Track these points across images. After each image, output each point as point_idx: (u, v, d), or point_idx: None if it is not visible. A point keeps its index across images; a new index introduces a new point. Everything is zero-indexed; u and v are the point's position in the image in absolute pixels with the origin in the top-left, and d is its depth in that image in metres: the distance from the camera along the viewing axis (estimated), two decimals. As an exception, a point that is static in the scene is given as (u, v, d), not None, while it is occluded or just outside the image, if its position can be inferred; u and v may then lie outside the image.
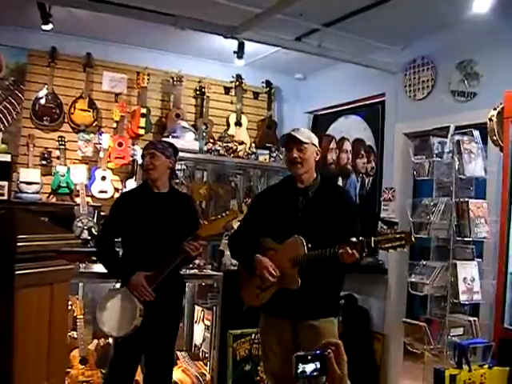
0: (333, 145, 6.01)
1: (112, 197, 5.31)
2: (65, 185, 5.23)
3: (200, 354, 4.91)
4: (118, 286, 3.57)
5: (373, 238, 2.88)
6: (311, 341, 3.07)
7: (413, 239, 2.87)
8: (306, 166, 3.22)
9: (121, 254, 3.67)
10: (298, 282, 3.04)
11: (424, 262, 4.05)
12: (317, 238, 3.04)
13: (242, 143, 5.86)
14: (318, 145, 3.31)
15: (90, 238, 4.86)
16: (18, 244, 1.41)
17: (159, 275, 3.40)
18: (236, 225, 5.46)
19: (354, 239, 2.90)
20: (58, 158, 5.30)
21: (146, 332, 3.49)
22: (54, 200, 5.26)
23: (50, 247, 1.53)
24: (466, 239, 3.88)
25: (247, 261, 3.26)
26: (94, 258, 4.31)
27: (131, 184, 5.31)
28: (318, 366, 1.60)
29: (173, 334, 3.69)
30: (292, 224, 3.17)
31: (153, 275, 3.41)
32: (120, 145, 5.44)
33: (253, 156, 5.80)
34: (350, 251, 2.88)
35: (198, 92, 6.04)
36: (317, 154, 3.28)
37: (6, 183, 4.87)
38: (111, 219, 3.73)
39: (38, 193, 5.12)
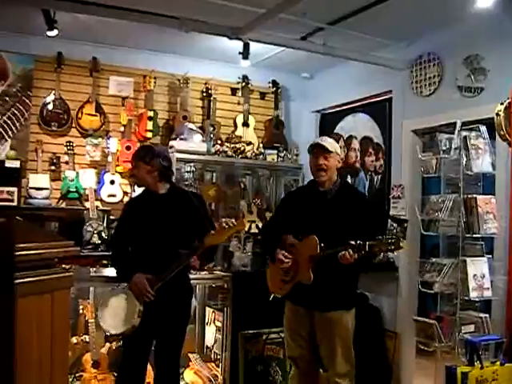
0: (341, 143, 5.97)
1: (121, 201, 5.34)
2: (74, 189, 5.24)
3: (212, 356, 4.92)
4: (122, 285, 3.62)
5: (367, 243, 3.14)
6: (324, 330, 3.50)
7: (401, 245, 3.11)
8: (329, 173, 3.56)
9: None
10: (310, 278, 3.35)
11: (433, 260, 4.03)
12: (333, 238, 3.31)
13: (249, 144, 5.87)
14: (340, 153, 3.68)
15: (99, 242, 4.89)
16: (17, 253, 1.41)
17: (160, 280, 3.46)
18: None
19: (352, 242, 3.19)
20: (66, 162, 5.32)
21: (154, 335, 3.55)
22: (63, 205, 5.27)
23: (49, 255, 1.53)
24: (475, 235, 3.86)
25: (271, 253, 3.66)
26: (105, 262, 4.34)
27: (140, 187, 5.31)
28: None
29: (180, 337, 3.72)
30: (311, 223, 3.49)
31: (154, 278, 3.46)
32: (128, 148, 5.45)
33: (261, 156, 5.82)
34: (347, 254, 3.20)
35: (204, 94, 6.03)
36: (339, 162, 3.63)
37: (15, 189, 4.89)
38: (122, 224, 3.84)
39: (47, 198, 5.14)
